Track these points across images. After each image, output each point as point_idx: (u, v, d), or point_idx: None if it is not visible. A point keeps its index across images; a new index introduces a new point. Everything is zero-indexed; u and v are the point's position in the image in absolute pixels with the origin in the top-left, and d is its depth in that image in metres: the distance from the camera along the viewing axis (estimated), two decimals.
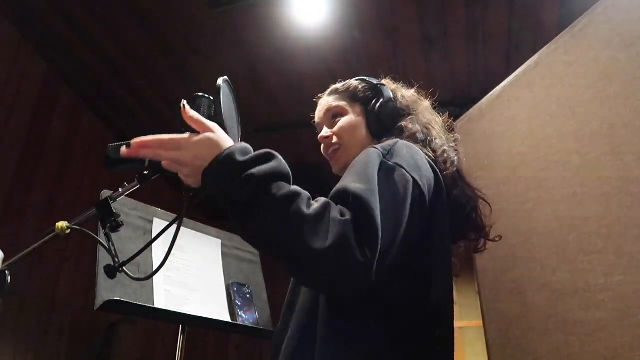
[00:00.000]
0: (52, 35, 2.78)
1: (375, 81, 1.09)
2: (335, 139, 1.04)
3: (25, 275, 2.64)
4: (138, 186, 0.84)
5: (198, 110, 0.80)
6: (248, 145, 0.72)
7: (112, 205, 0.83)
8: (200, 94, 0.82)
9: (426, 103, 1.10)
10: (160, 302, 1.29)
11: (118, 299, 1.15)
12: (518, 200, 1.25)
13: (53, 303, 2.85)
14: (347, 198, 0.68)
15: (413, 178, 0.77)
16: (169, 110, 3.35)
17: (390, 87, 1.10)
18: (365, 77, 1.11)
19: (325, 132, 1.06)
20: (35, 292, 2.72)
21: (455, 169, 0.95)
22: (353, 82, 1.11)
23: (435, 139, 0.99)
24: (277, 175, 0.67)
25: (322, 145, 1.06)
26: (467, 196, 0.97)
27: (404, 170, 0.77)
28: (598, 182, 1.03)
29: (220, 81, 0.79)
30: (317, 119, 1.11)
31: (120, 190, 0.86)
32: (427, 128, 1.01)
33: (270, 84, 3.03)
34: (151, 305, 1.25)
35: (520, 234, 1.23)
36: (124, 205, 1.33)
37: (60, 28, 2.73)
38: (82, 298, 3.01)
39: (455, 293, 0.93)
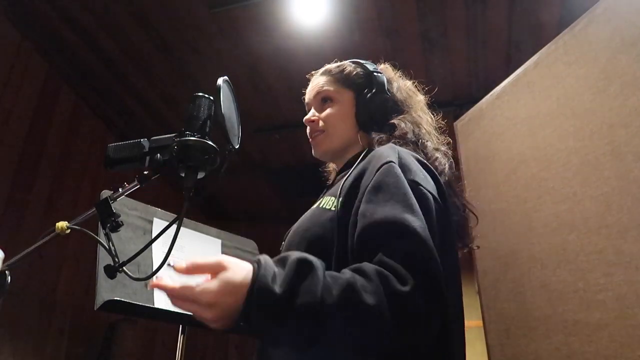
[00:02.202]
0: (52, 35, 2.78)
1: (371, 67, 1.04)
2: (321, 124, 1.02)
3: (25, 275, 2.64)
4: (138, 186, 0.84)
5: (198, 110, 0.80)
6: (269, 264, 0.61)
7: (112, 205, 0.83)
8: (200, 94, 0.81)
9: (421, 98, 1.06)
10: (160, 302, 1.29)
11: (118, 299, 1.15)
12: (518, 200, 1.25)
13: (53, 303, 2.85)
14: (407, 235, 0.66)
15: (431, 194, 0.77)
16: (169, 110, 3.34)
17: (387, 74, 1.06)
18: (362, 61, 1.07)
19: (312, 115, 1.04)
20: (35, 292, 2.72)
21: (446, 178, 0.92)
22: (348, 65, 1.06)
23: (427, 141, 0.96)
24: (321, 287, 0.58)
25: (308, 127, 1.05)
26: (455, 206, 0.94)
27: (422, 189, 0.77)
28: (598, 182, 1.03)
29: (220, 81, 0.79)
30: (307, 99, 1.09)
31: (120, 190, 0.86)
32: (418, 127, 0.98)
33: (270, 84, 3.03)
34: (151, 305, 1.25)
35: (520, 234, 1.23)
36: (124, 205, 1.33)
37: (60, 28, 2.73)
38: (82, 298, 3.01)
39: None
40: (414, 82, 1.09)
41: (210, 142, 0.77)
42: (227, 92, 0.81)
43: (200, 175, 0.78)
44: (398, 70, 1.09)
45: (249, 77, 3.00)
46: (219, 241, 1.60)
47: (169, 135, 0.80)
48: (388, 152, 0.84)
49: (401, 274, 0.62)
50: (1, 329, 2.50)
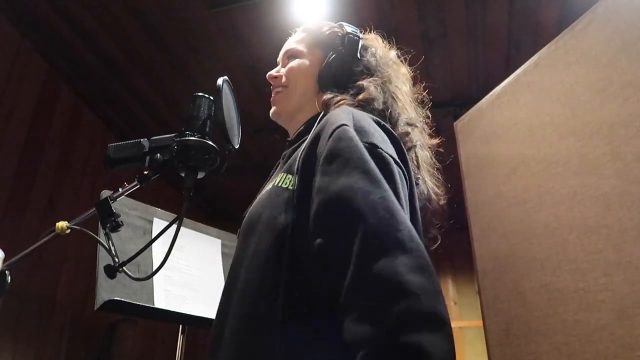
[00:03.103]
0: (52, 35, 2.78)
1: (350, 29, 0.97)
2: (283, 79, 0.96)
3: (25, 275, 2.64)
4: (138, 186, 0.84)
5: (198, 110, 0.80)
6: None
7: (112, 205, 0.83)
8: (200, 94, 0.82)
9: (403, 70, 0.99)
10: (160, 302, 1.29)
11: (118, 299, 1.15)
12: (518, 201, 1.25)
13: (53, 303, 2.85)
14: (368, 213, 0.58)
15: (392, 158, 0.69)
16: (169, 111, 3.34)
17: (368, 42, 0.98)
18: (344, 24, 0.99)
19: (275, 70, 0.99)
20: (35, 292, 2.72)
21: (415, 155, 0.84)
22: (326, 25, 1.00)
23: (400, 114, 0.87)
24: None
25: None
26: (421, 190, 0.85)
27: (381, 151, 0.68)
28: (598, 182, 1.03)
29: (220, 81, 0.79)
30: (279, 57, 1.03)
31: (120, 190, 0.86)
32: (393, 98, 0.89)
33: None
34: (151, 305, 1.25)
35: (520, 234, 1.23)
36: (124, 205, 1.33)
37: (60, 28, 2.73)
38: (82, 298, 3.02)
39: (455, 293, 0.91)
40: (399, 55, 1.02)
41: (210, 142, 0.78)
42: (227, 92, 0.81)
43: (200, 175, 0.78)
44: (388, 41, 1.03)
45: (249, 77, 3.00)
46: (219, 241, 1.60)
47: (169, 135, 0.80)
48: (340, 115, 0.74)
49: (394, 287, 0.53)
50: (1, 329, 2.50)
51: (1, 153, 2.60)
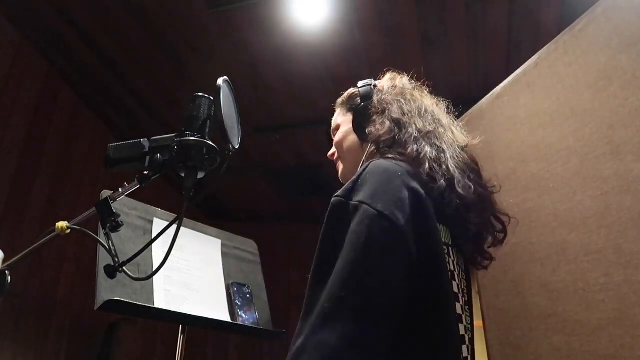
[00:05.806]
0: (52, 35, 2.78)
1: (362, 84, 1.05)
2: (336, 155, 1.10)
3: (25, 275, 2.64)
4: (138, 186, 0.84)
5: (198, 110, 0.80)
6: None
7: (112, 205, 0.83)
8: (200, 94, 0.82)
9: (402, 84, 1.01)
10: (160, 302, 1.29)
11: (118, 299, 1.15)
12: (518, 200, 1.25)
13: (53, 303, 2.85)
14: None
15: (377, 211, 0.67)
16: (169, 110, 3.34)
17: (380, 82, 1.05)
18: (360, 81, 1.06)
19: (331, 151, 1.12)
20: (35, 292, 2.72)
21: (442, 182, 0.79)
22: (351, 89, 1.11)
23: (407, 134, 0.85)
24: None
25: None
26: (460, 196, 0.82)
27: (366, 206, 0.68)
28: (598, 182, 1.03)
29: (220, 81, 0.79)
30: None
31: (120, 190, 0.86)
32: (399, 120, 0.89)
33: (270, 84, 3.03)
34: (151, 305, 1.25)
35: (520, 234, 1.23)
36: (124, 205, 1.33)
37: (60, 28, 2.73)
38: (82, 298, 3.01)
39: None
40: (414, 80, 1.08)
41: (210, 142, 0.78)
42: (227, 92, 0.81)
43: (200, 175, 0.78)
44: (399, 74, 1.09)
45: (249, 77, 3.00)
46: (219, 241, 1.60)
47: (169, 135, 0.81)
48: (356, 174, 0.77)
49: None
50: (1, 329, 2.50)
51: (1, 153, 2.60)
